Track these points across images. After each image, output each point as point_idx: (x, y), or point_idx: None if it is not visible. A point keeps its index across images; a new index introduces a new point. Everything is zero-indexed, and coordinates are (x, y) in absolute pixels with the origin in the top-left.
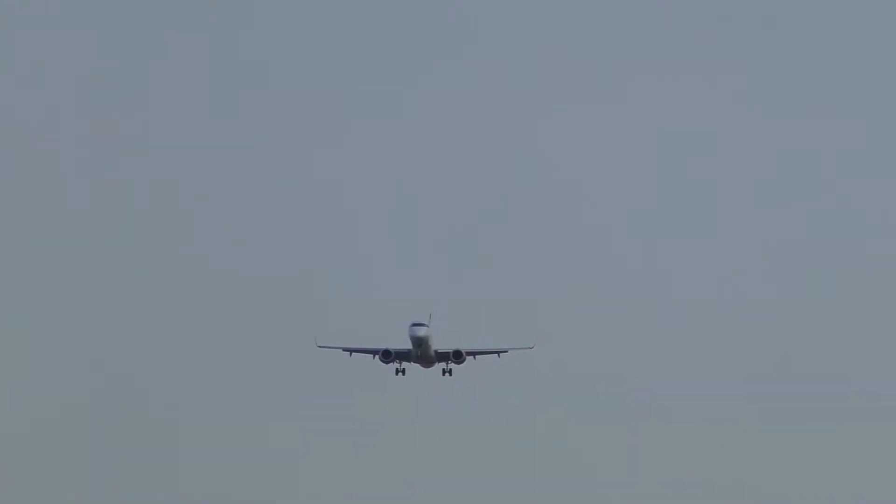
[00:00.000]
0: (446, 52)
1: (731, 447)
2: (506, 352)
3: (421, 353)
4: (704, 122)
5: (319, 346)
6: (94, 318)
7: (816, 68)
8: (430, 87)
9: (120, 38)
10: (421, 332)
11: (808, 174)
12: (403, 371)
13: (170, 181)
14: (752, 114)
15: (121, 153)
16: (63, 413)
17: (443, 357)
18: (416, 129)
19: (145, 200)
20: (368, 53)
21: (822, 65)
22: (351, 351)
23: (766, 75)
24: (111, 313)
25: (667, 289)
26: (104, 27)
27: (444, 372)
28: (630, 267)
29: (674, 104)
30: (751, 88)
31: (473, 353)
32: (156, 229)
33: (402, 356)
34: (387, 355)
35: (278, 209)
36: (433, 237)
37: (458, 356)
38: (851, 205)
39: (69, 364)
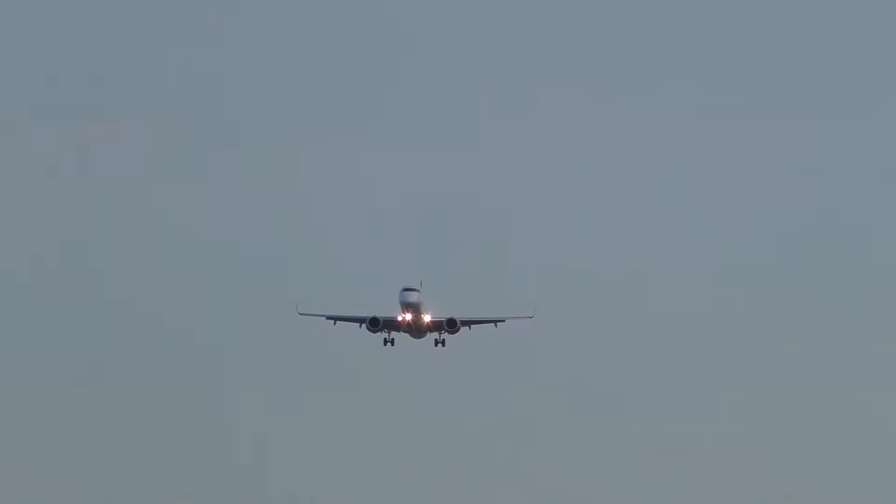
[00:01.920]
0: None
1: (731, 413)
2: (503, 321)
3: (412, 321)
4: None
5: (301, 314)
6: (74, 278)
7: (809, 69)
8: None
9: (112, 38)
10: (412, 297)
11: (804, 175)
12: (392, 341)
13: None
14: (746, 115)
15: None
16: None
17: (435, 326)
18: (408, 109)
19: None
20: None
21: (816, 66)
22: (335, 319)
23: (760, 78)
24: (89, 285)
25: (672, 260)
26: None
27: (436, 342)
28: (635, 235)
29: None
30: (743, 92)
31: (469, 323)
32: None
33: (392, 325)
34: (374, 324)
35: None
36: (426, 204)
37: (451, 325)
38: (845, 208)
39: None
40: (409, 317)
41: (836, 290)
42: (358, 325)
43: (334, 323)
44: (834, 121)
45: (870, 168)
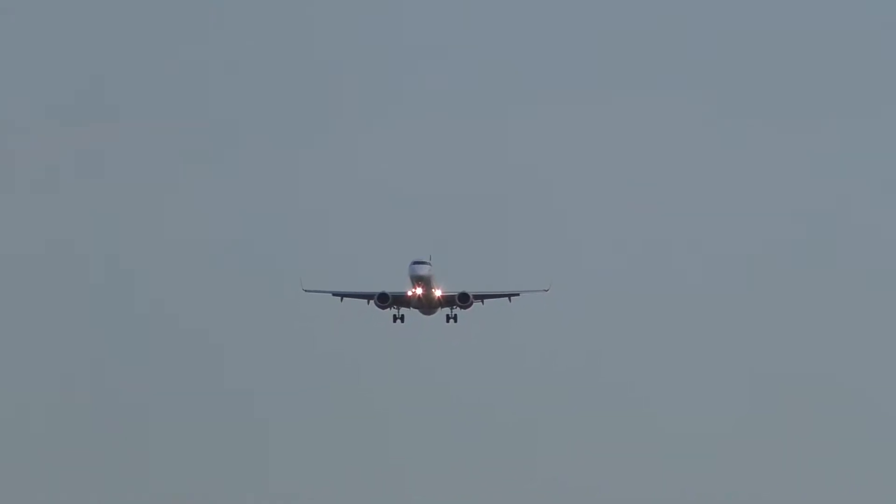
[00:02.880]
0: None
1: (752, 390)
2: (518, 295)
3: (422, 296)
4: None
5: (306, 291)
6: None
7: (796, 73)
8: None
9: (105, 38)
10: (423, 270)
11: (797, 176)
12: (402, 318)
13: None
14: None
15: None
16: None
17: (447, 301)
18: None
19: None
20: None
21: (804, 70)
22: (342, 295)
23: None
24: (90, 260)
25: (696, 232)
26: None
27: (448, 318)
28: (657, 204)
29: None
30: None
31: (481, 297)
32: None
33: (401, 301)
34: (383, 299)
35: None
36: (434, 177)
37: (464, 300)
38: (839, 209)
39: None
40: (419, 291)
41: (838, 291)
42: (366, 301)
43: (341, 299)
44: (843, 121)
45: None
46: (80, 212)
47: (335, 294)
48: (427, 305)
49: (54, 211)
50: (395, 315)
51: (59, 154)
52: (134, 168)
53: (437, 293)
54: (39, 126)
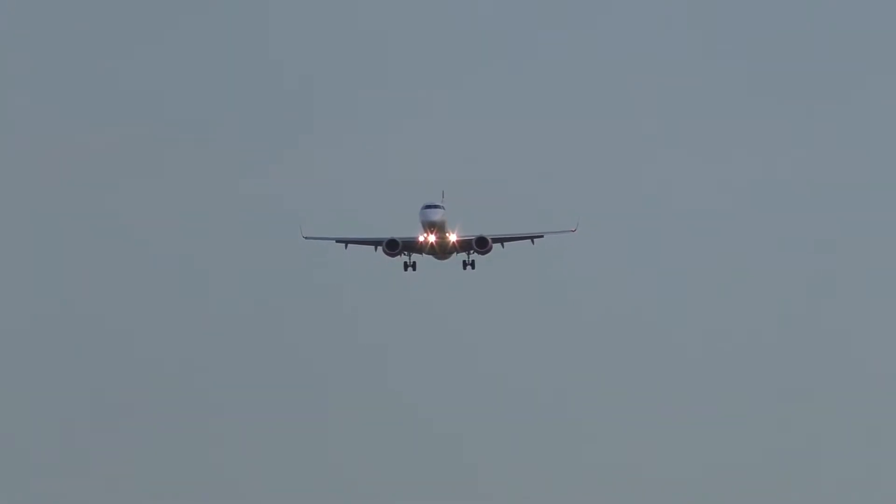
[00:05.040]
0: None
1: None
2: (541, 237)
3: (436, 242)
4: None
5: (306, 238)
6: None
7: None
8: None
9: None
10: (436, 216)
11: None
12: (414, 265)
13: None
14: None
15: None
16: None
17: (463, 246)
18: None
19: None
20: None
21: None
22: (346, 242)
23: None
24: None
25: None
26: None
27: (465, 265)
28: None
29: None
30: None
31: (501, 240)
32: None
33: (412, 247)
34: (392, 246)
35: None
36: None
37: (482, 244)
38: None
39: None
40: (431, 238)
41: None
42: (373, 248)
43: (345, 247)
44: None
45: None
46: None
47: (339, 241)
48: (441, 251)
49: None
50: (406, 262)
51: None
52: None
53: (452, 238)
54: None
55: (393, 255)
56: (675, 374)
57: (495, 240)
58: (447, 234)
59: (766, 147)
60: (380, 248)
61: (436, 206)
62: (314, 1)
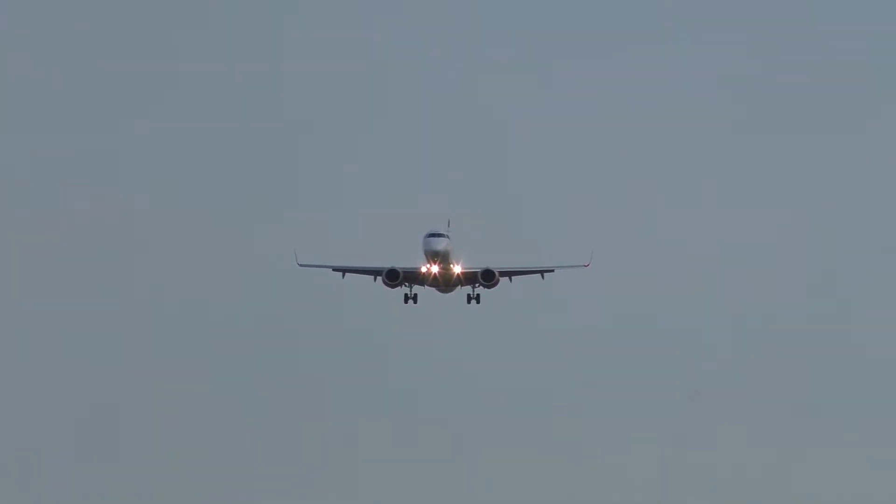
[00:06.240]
0: None
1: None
2: (552, 271)
3: (439, 273)
4: None
5: (301, 266)
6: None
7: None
8: None
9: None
10: (440, 245)
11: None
12: (415, 297)
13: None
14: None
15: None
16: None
17: (468, 279)
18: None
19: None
20: None
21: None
22: (344, 271)
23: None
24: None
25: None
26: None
27: (469, 298)
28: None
29: None
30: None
31: (509, 273)
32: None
33: (414, 277)
34: (393, 276)
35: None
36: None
37: (488, 277)
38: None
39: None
40: (435, 269)
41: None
42: (372, 277)
43: (342, 276)
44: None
45: None
46: None
47: (336, 269)
48: (444, 283)
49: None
50: (406, 294)
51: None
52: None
53: (457, 269)
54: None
55: (393, 286)
56: (690, 419)
57: (503, 273)
58: (451, 266)
59: (779, 187)
60: (379, 278)
61: (440, 235)
62: (322, 19)
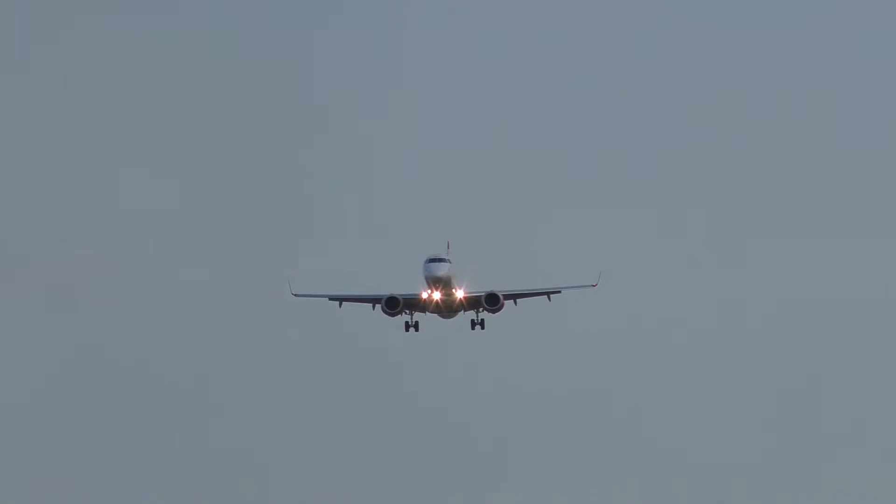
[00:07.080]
0: None
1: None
2: (559, 292)
3: (441, 300)
4: None
5: (295, 295)
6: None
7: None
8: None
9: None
10: (441, 270)
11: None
12: (416, 325)
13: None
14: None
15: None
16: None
17: (472, 303)
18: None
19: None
20: None
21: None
22: (341, 300)
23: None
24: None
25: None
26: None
27: (473, 324)
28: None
29: None
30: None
31: (514, 297)
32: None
33: (415, 304)
34: (393, 304)
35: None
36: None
37: (492, 301)
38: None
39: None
40: (436, 295)
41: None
42: (371, 306)
43: (339, 305)
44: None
45: None
46: None
47: (332, 298)
48: (447, 309)
49: None
50: (407, 322)
51: None
52: None
53: (459, 294)
54: None
55: (393, 314)
56: (698, 443)
57: (507, 296)
58: (453, 291)
59: (790, 214)
60: (378, 305)
61: (441, 260)
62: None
